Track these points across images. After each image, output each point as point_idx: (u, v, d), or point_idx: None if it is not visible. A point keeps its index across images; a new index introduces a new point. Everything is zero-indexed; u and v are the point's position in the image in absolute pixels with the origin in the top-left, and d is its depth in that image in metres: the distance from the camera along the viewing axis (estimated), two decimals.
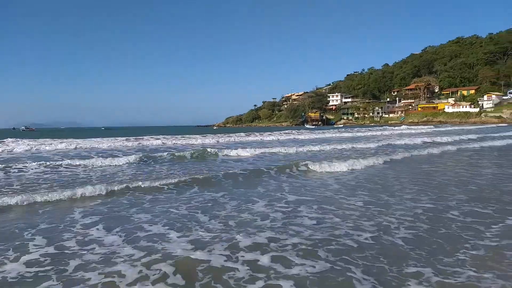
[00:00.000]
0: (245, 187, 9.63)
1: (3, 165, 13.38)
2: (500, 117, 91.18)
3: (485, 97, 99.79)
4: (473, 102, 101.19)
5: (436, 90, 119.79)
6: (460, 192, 8.66)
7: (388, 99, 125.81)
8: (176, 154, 17.56)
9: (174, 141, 29.67)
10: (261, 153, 18.83)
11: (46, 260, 4.73)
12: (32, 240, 5.52)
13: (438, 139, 28.05)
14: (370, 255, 4.78)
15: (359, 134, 41.56)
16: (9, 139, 29.07)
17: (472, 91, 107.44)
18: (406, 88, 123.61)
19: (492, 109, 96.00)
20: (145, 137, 33.09)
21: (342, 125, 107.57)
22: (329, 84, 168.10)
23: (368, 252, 4.88)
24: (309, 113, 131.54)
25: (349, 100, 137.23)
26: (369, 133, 42.49)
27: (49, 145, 25.39)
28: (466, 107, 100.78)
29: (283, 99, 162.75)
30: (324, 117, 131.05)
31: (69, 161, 14.99)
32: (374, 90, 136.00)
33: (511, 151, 19.62)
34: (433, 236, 5.44)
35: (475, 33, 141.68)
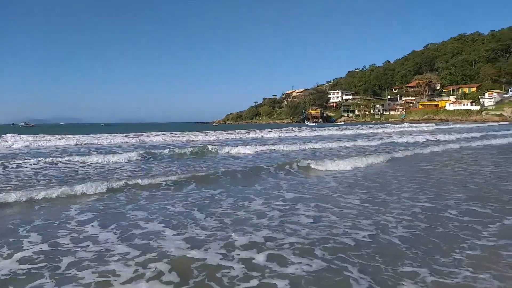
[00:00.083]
0: (243, 185, 9.59)
1: (1, 161, 13.37)
2: (501, 115, 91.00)
3: (487, 95, 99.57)
4: (474, 100, 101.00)
5: (438, 88, 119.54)
6: (459, 191, 8.62)
7: (389, 97, 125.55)
8: (176, 151, 17.53)
9: (173, 138, 29.65)
10: (261, 150, 18.79)
11: (39, 257, 4.70)
12: (27, 237, 5.49)
13: (440, 137, 28.01)
14: (367, 253, 4.75)
15: (360, 131, 41.50)
16: (8, 135, 29.09)
17: (474, 89, 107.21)
18: (407, 85, 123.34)
19: (493, 107, 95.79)
20: (145, 134, 33.07)
21: (342, 123, 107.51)
22: (330, 81, 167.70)
23: (364, 250, 4.85)
24: (310, 110, 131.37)
25: (350, 97, 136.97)
26: (370, 131, 42.42)
27: (48, 141, 25.38)
28: (467, 105, 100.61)
29: (284, 96, 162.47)
30: (324, 114, 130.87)
31: (67, 157, 14.98)
32: (375, 87, 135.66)
33: None
34: (430, 235, 5.41)
35: (477, 30, 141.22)
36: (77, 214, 6.69)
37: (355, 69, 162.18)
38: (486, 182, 9.81)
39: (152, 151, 17.06)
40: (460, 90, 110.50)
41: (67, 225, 6.07)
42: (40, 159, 14.19)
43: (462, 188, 8.97)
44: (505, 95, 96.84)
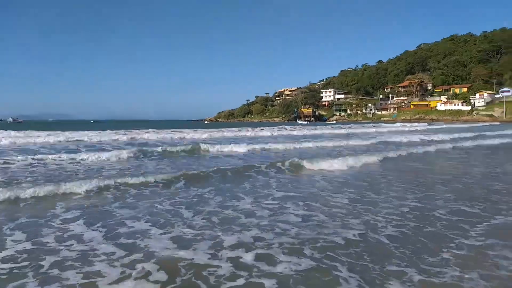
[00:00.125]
0: (233, 183, 9.53)
1: None
2: (491, 115, 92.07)
3: (477, 95, 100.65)
4: (465, 100, 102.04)
5: (429, 88, 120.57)
6: (450, 190, 8.66)
7: (381, 96, 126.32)
8: (166, 148, 17.36)
9: (164, 135, 29.46)
10: (253, 148, 18.70)
11: (22, 256, 4.60)
12: (10, 235, 5.38)
13: (434, 137, 28.17)
14: (355, 252, 4.73)
15: (352, 131, 41.66)
16: None
17: (465, 89, 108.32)
18: (400, 85, 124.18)
19: (484, 107, 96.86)
20: (135, 131, 32.83)
21: (334, 122, 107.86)
22: (323, 80, 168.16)
23: (353, 249, 4.82)
24: (302, 109, 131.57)
25: (342, 96, 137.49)
26: (363, 130, 42.58)
27: (36, 138, 25.05)
28: (458, 105, 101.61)
29: (276, 94, 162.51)
30: (316, 113, 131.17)
31: (56, 154, 14.78)
32: (367, 86, 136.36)
33: (510, 150, 19.75)
34: (418, 235, 5.41)
35: (470, 31, 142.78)
36: (63, 212, 6.58)
37: (348, 68, 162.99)
38: (477, 182, 9.88)
39: (143, 148, 16.88)
40: (451, 90, 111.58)
41: (52, 223, 5.96)
42: (27, 155, 13.99)
43: (454, 187, 9.01)
44: (496, 96, 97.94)
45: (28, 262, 4.42)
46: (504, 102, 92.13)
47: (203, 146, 18.47)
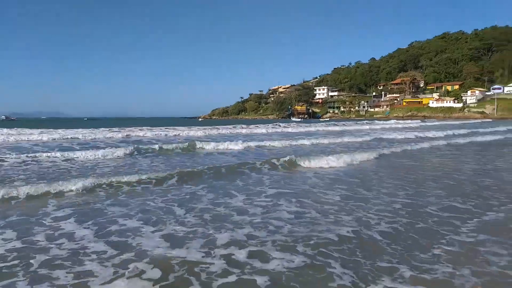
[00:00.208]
0: (227, 181, 9.50)
1: None
2: (483, 112, 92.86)
3: (469, 92, 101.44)
4: (457, 97, 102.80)
5: (422, 85, 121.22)
6: (441, 187, 8.71)
7: (374, 93, 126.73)
8: (160, 146, 17.26)
9: (158, 133, 29.33)
10: (248, 146, 18.65)
11: (12, 255, 4.54)
12: (1, 234, 5.32)
13: (428, 133, 28.33)
14: (348, 249, 4.74)
15: (346, 128, 41.73)
16: None
17: (456, 87, 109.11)
18: (392, 82, 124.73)
19: (475, 104, 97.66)
20: (129, 128, 32.61)
21: (328, 119, 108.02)
22: (316, 77, 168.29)
23: (346, 245, 4.83)
24: (296, 106, 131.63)
25: (336, 93, 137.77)
26: (357, 127, 42.61)
27: (29, 135, 24.83)
28: (449, 102, 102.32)
29: (270, 91, 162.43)
30: (310, 110, 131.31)
31: (49, 152, 14.65)
32: (360, 84, 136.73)
33: (501, 146, 19.92)
34: (410, 231, 5.44)
35: (461, 29, 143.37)
36: (54, 210, 6.51)
37: (341, 66, 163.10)
38: (471, 178, 9.96)
39: (137, 146, 16.76)
40: (443, 87, 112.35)
41: (43, 221, 5.91)
42: (20, 153, 13.87)
43: (444, 183, 9.07)
44: (487, 93, 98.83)
45: (18, 261, 4.37)
46: (495, 99, 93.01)
47: (197, 143, 18.42)
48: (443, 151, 17.38)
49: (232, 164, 11.86)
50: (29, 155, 13.71)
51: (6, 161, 12.47)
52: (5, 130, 28.88)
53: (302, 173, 10.83)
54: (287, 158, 12.37)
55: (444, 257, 4.46)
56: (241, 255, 4.54)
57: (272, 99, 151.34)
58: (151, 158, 14.02)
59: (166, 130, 32.26)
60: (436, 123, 60.03)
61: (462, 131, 31.92)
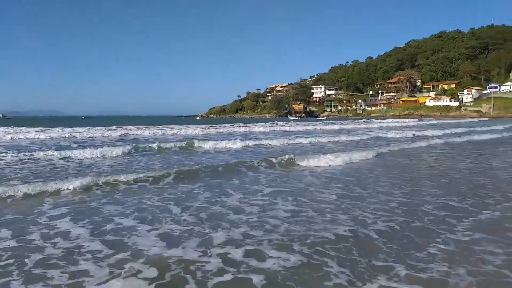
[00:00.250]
0: (224, 179, 9.48)
1: None
2: (479, 111, 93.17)
3: (465, 91, 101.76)
4: (454, 96, 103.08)
5: (418, 84, 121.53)
6: (437, 186, 8.73)
7: (371, 92, 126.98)
8: (158, 144, 17.21)
9: (156, 131, 29.26)
10: (246, 144, 18.63)
11: (7, 253, 4.52)
12: None
13: (424, 132, 28.41)
14: (344, 247, 4.74)
15: (344, 126, 41.78)
16: None
17: (453, 85, 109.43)
18: (389, 81, 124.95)
19: (472, 103, 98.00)
20: (126, 127, 32.54)
21: (325, 117, 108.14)
22: (314, 76, 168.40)
23: (342, 244, 4.83)
24: (293, 105, 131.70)
25: (333, 92, 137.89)
26: (355, 126, 42.69)
27: (26, 134, 24.74)
28: (446, 101, 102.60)
29: (267, 90, 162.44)
30: (307, 109, 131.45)
31: (46, 151, 14.58)
32: (357, 82, 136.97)
33: (498, 145, 19.98)
34: (406, 230, 5.44)
35: (458, 27, 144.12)
36: (50, 209, 6.48)
37: (338, 65, 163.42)
38: (467, 177, 9.98)
39: (135, 145, 16.70)
40: (440, 86, 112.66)
41: (38, 220, 5.88)
42: (17, 152, 13.79)
43: (441, 182, 9.09)
44: (483, 92, 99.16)
45: (13, 260, 4.35)
46: (492, 98, 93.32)
47: (195, 142, 18.38)
48: (440, 149, 17.42)
49: (230, 163, 11.84)
50: (26, 153, 13.64)
51: (3, 160, 12.41)
52: (1, 129, 28.76)
53: (299, 172, 10.82)
54: (284, 157, 12.36)
55: (440, 256, 4.46)
56: (237, 254, 4.53)
57: (270, 97, 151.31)
58: (149, 157, 13.99)
59: (164, 128, 32.22)
60: (433, 122, 60.22)
61: (459, 130, 32.04)
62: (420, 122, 55.42)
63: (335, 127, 40.80)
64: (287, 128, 37.23)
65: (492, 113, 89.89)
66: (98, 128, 31.37)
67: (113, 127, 32.50)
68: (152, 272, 4.00)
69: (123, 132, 27.64)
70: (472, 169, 11.48)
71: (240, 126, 38.38)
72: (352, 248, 4.74)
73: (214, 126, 37.11)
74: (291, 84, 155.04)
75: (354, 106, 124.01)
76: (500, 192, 7.88)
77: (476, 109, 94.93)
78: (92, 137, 24.37)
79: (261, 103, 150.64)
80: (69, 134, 25.03)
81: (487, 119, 76.27)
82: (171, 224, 5.69)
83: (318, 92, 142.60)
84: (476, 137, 24.49)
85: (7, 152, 14.12)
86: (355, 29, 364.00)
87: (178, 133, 28.95)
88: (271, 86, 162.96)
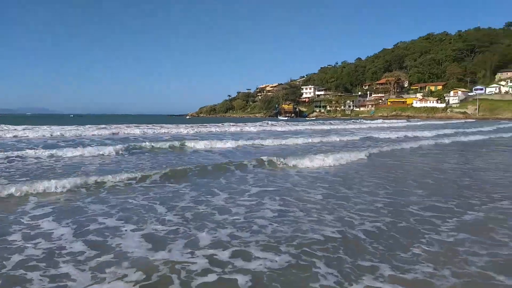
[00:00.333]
0: (212, 179, 9.41)
1: None
2: (465, 112, 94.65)
3: (452, 93, 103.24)
4: (440, 97, 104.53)
5: (406, 85, 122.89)
6: (427, 186, 8.80)
7: (359, 93, 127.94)
8: (148, 144, 16.98)
9: (146, 130, 29.01)
10: (237, 144, 18.56)
11: None
12: None
13: (413, 133, 28.70)
14: (332, 247, 4.73)
15: (334, 127, 42.04)
16: None
17: (440, 87, 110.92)
18: (377, 82, 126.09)
19: (458, 105, 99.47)
20: (116, 126, 32.19)
21: (314, 118, 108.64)
22: (303, 77, 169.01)
23: (330, 244, 4.82)
24: (283, 105, 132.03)
25: (322, 92, 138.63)
26: (344, 126, 42.99)
27: (13, 132, 24.29)
28: (433, 102, 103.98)
29: (258, 90, 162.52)
30: (297, 109, 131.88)
31: (32, 149, 14.27)
32: (346, 83, 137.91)
33: (485, 145, 20.27)
34: (392, 230, 5.46)
35: (445, 30, 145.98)
36: (33, 209, 6.34)
37: (328, 65, 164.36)
38: (454, 177, 10.09)
39: (124, 144, 16.49)
40: (427, 88, 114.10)
41: (21, 219, 5.74)
42: (4, 151, 13.50)
43: (427, 183, 9.17)
44: (469, 94, 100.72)
45: None
46: (477, 100, 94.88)
47: (186, 141, 18.21)
48: (430, 150, 17.59)
49: (219, 163, 11.77)
50: (13, 152, 13.35)
51: None
52: None
53: (287, 172, 10.81)
54: (273, 157, 12.32)
55: (424, 257, 4.48)
56: (223, 255, 4.48)
57: (260, 97, 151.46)
58: (138, 156, 13.84)
59: (154, 127, 31.94)
60: (421, 122, 60.94)
61: (447, 131, 32.45)
62: (408, 123, 55.98)
63: (325, 127, 40.99)
64: (278, 128, 37.26)
65: (478, 114, 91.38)
66: (87, 126, 30.92)
67: (103, 126, 32.12)
68: (136, 275, 3.93)
69: (112, 131, 27.32)
70: (456, 169, 11.62)
71: (231, 126, 38.28)
72: (339, 248, 4.74)
73: (205, 125, 36.93)
74: (281, 84, 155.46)
75: (343, 107, 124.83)
76: (485, 193, 7.98)
77: (462, 110, 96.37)
78: (81, 135, 24.04)
79: (251, 103, 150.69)
80: (57, 133, 24.63)
81: (473, 120, 77.51)
82: (156, 224, 5.61)
83: (308, 92, 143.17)
84: (463, 138, 24.86)
85: None
86: (345, 30, 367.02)
87: (169, 132, 28.76)
88: (261, 86, 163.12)
